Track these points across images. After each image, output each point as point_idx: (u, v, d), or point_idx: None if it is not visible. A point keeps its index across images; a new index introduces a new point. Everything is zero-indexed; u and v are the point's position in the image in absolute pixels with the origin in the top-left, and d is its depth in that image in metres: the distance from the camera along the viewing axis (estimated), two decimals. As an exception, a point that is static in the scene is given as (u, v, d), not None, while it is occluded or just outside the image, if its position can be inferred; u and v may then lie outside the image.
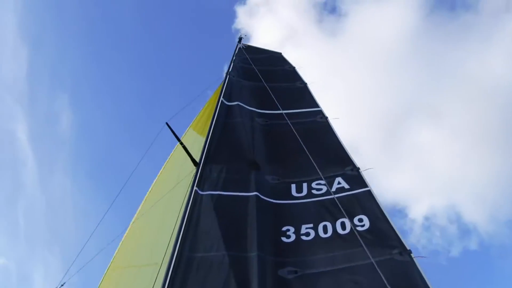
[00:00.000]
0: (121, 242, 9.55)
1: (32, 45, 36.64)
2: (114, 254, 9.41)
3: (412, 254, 7.31)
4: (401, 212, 28.56)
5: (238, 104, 13.01)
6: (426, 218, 27.75)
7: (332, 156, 10.14)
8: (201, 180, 9.52)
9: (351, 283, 7.25)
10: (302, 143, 9.87)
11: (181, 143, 10.95)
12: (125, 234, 9.68)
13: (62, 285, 7.24)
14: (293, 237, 8.28)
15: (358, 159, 9.68)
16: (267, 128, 12.07)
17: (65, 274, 7.50)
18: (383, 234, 7.76)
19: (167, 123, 11.25)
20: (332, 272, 7.49)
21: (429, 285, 6.70)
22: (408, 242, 7.55)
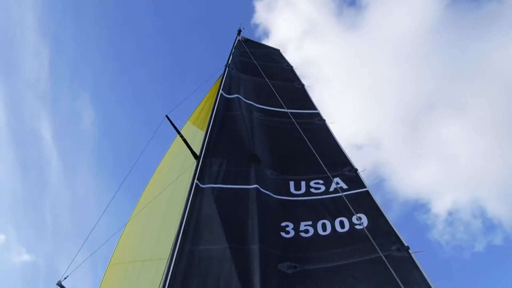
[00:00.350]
0: (121, 237, 9.60)
1: (53, 44, 36.57)
2: (115, 249, 9.47)
3: (410, 250, 7.47)
4: (424, 207, 28.68)
5: (237, 97, 13.06)
6: (450, 213, 27.80)
7: (330, 157, 10.26)
8: (202, 173, 9.59)
9: (351, 278, 7.38)
10: (302, 142, 9.94)
11: (181, 136, 10.98)
12: (124, 229, 9.73)
13: (65, 278, 7.29)
14: (292, 233, 8.40)
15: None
16: (266, 124, 12.15)
17: (68, 266, 7.56)
18: (381, 231, 7.90)
19: (167, 116, 11.26)
20: (331, 268, 7.63)
21: (428, 279, 6.87)
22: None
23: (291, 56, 32.92)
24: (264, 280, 7.24)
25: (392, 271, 6.76)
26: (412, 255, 7.41)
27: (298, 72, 15.88)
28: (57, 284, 7.31)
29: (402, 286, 6.27)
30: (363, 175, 9.59)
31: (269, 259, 7.73)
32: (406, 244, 7.61)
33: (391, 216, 8.22)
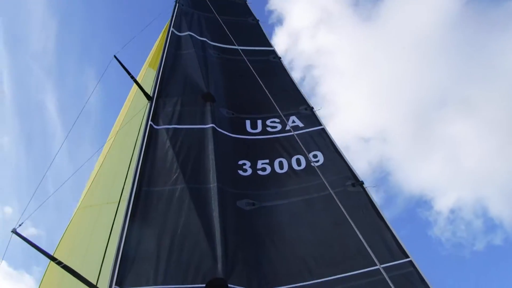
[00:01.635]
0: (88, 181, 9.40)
1: (60, 18, 33.80)
2: (84, 192, 9.30)
3: (364, 185, 7.73)
4: (427, 204, 29.18)
5: (189, 34, 12.62)
6: (452, 211, 28.37)
7: (286, 95, 10.23)
8: (155, 115, 9.38)
9: (307, 214, 7.61)
10: (257, 81, 9.82)
11: (132, 77, 10.56)
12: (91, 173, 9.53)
13: (19, 225, 7.13)
14: (249, 171, 8.49)
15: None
16: (220, 62, 11.89)
17: (22, 214, 7.37)
18: (337, 168, 8.10)
19: (115, 56, 10.73)
20: (288, 204, 7.81)
21: (380, 210, 7.18)
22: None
23: (304, 45, 32.41)
24: (223, 217, 7.35)
25: (341, 206, 6.91)
26: (366, 189, 7.68)
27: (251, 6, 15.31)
28: (11, 231, 7.15)
29: (350, 220, 6.48)
30: (318, 113, 9.67)
31: (227, 197, 7.83)
32: (360, 179, 7.86)
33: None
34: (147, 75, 11.27)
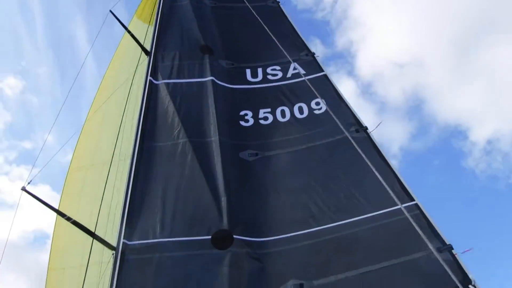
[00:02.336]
0: (78, 141, 9.35)
1: None
2: (73, 154, 9.28)
3: (368, 130, 7.65)
4: (462, 134, 28.12)
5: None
6: (489, 142, 27.40)
7: (286, 41, 9.91)
8: (154, 69, 9.24)
9: (311, 161, 7.57)
10: (256, 28, 9.55)
11: (129, 32, 10.33)
12: (81, 133, 9.46)
13: (28, 183, 7.22)
14: (251, 121, 8.41)
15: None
16: (218, 11, 11.54)
17: (30, 172, 7.44)
18: (340, 116, 7.97)
19: (111, 11, 10.47)
20: (291, 153, 7.77)
21: (384, 155, 7.12)
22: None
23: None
24: (226, 169, 7.36)
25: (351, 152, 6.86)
26: (370, 134, 7.60)
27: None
28: (21, 189, 7.28)
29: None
30: (319, 59, 9.44)
31: (229, 149, 7.81)
32: (364, 125, 7.76)
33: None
34: (138, 27, 10.94)
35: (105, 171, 8.13)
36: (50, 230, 8.93)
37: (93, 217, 7.22)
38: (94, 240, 6.87)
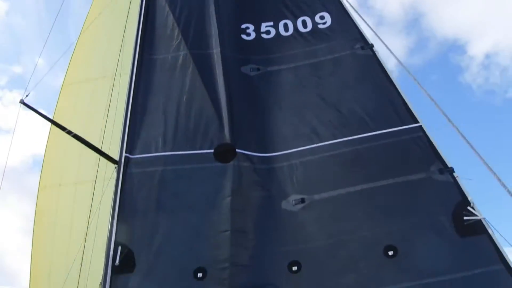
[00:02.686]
0: (72, 56, 9.00)
1: None
2: (67, 69, 8.97)
3: (374, 48, 7.41)
4: (461, 48, 26.88)
5: None
6: (487, 56, 26.30)
7: None
8: None
9: (314, 78, 7.40)
10: None
11: None
12: (74, 48, 9.06)
13: (27, 96, 7.07)
14: (253, 35, 8.09)
15: None
16: None
17: (25, 90, 7.25)
18: (345, 30, 7.68)
19: None
20: (294, 68, 7.57)
21: (389, 74, 6.96)
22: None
23: None
24: (228, 83, 7.21)
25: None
26: (376, 53, 7.37)
27: None
28: (20, 102, 7.14)
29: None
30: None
31: (231, 63, 7.59)
32: (370, 42, 7.51)
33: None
34: None
35: (101, 86, 7.96)
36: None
37: (90, 133, 7.14)
38: (96, 154, 6.86)
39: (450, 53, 27.72)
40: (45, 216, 8.17)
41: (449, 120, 5.78)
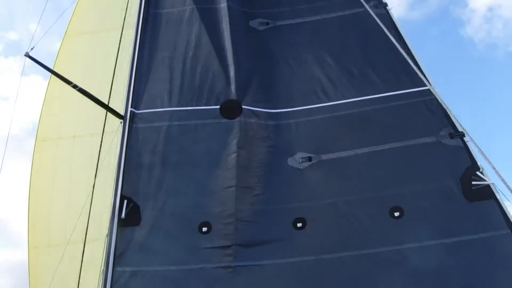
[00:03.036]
0: (75, 8, 8.74)
1: None
2: (69, 21, 8.73)
3: (387, 7, 7.20)
4: (462, 1, 26.01)
5: None
6: (490, 9, 25.27)
7: None
8: None
9: (324, 34, 7.21)
10: None
11: None
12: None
13: (32, 49, 6.90)
14: None
15: None
16: None
17: (31, 40, 7.07)
18: None
19: None
20: (304, 24, 7.37)
21: (403, 33, 6.79)
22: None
23: None
24: (235, 38, 7.06)
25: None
26: (390, 11, 7.16)
27: None
28: (25, 55, 6.99)
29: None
30: None
31: (239, 17, 7.41)
32: (384, 1, 7.29)
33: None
34: None
35: (104, 40, 7.78)
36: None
37: (94, 87, 7.01)
38: (96, 109, 6.76)
39: (451, 6, 26.88)
40: (42, 169, 8.06)
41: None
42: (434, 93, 6.03)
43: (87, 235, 6.80)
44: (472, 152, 5.56)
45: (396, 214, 5.40)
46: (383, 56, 6.63)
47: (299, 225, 5.55)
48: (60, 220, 7.29)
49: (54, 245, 7.09)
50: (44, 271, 7.04)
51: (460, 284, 4.97)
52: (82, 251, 6.81)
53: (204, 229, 5.60)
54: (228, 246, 5.49)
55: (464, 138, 5.66)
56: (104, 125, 7.26)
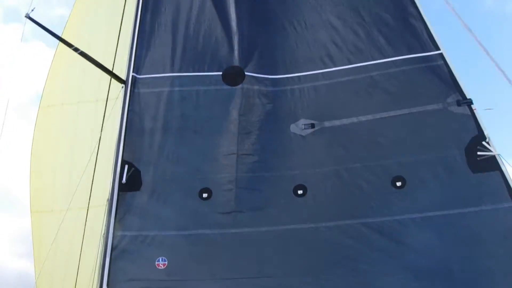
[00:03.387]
0: None
1: None
2: None
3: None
4: None
5: None
6: None
7: None
8: None
9: None
10: None
11: None
12: None
13: (32, 10, 6.78)
14: None
15: None
16: None
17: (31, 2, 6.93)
18: None
19: None
20: None
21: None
22: None
23: None
24: (238, 2, 6.82)
25: None
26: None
27: None
28: (25, 16, 6.87)
29: None
30: None
31: None
32: None
33: None
34: None
35: (110, 4, 7.60)
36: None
37: (98, 53, 6.91)
38: (99, 74, 6.69)
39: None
40: (46, 135, 8.08)
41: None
42: (445, 57, 5.82)
43: (90, 201, 6.85)
44: (479, 121, 5.40)
45: (398, 184, 5.33)
46: (392, 18, 6.35)
47: (299, 192, 5.53)
48: (63, 186, 7.32)
49: (58, 210, 7.14)
50: (48, 237, 7.12)
51: (460, 256, 4.94)
52: (85, 216, 6.87)
53: (205, 195, 5.62)
54: (228, 213, 5.53)
55: (472, 105, 5.49)
56: (108, 91, 7.19)
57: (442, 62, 5.81)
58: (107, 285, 5.38)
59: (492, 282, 4.80)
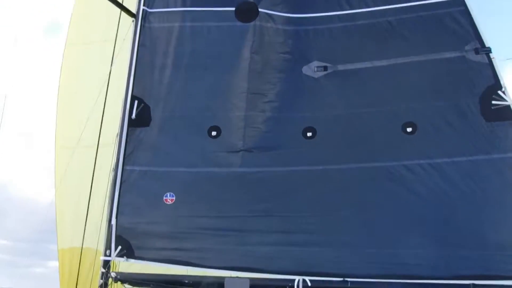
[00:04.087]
0: None
1: None
2: None
3: None
4: None
5: None
6: None
7: None
8: None
9: None
10: None
11: None
12: None
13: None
14: None
15: None
16: None
17: None
18: None
19: None
20: None
21: None
22: None
23: None
24: None
25: None
26: None
27: None
28: None
29: None
30: None
31: None
32: None
33: None
34: None
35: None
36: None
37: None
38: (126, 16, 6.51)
39: None
40: (72, 72, 8.05)
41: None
42: (465, 3, 5.61)
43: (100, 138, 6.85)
44: (497, 70, 5.27)
45: (409, 129, 5.28)
46: None
47: (309, 134, 5.50)
48: (89, 123, 7.34)
49: (83, 145, 7.19)
50: (69, 172, 7.22)
51: (467, 204, 4.96)
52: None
53: (214, 133, 5.61)
54: (237, 152, 5.53)
55: (491, 54, 5.34)
56: (118, 25, 7.01)
57: (463, 7, 5.61)
58: (116, 217, 5.50)
59: (498, 230, 4.82)
